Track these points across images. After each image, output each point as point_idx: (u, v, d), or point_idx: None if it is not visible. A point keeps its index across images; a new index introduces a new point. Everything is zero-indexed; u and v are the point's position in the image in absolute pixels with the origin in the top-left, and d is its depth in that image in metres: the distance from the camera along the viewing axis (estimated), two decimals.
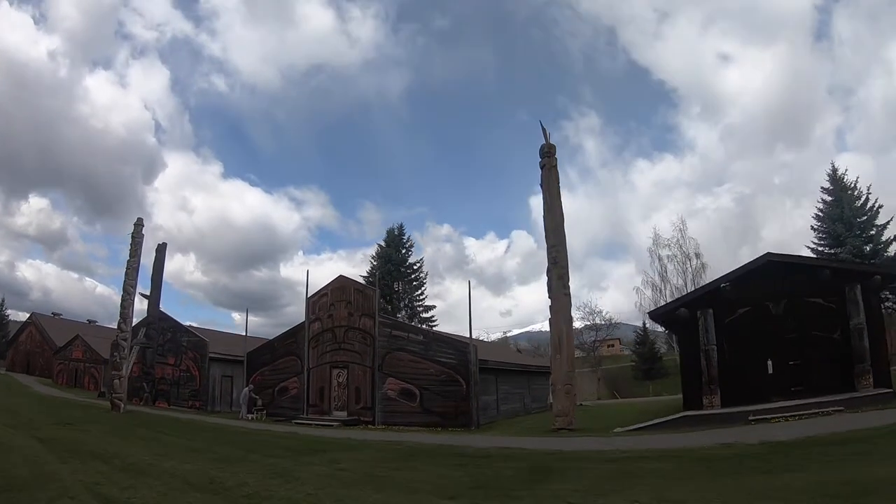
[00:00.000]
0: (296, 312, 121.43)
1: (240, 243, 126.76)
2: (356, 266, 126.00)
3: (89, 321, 57.26)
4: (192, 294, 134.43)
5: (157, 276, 35.63)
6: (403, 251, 45.36)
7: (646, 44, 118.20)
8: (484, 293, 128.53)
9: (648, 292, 50.78)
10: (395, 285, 44.27)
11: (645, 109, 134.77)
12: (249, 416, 26.48)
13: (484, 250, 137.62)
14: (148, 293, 35.13)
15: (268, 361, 28.32)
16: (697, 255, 49.26)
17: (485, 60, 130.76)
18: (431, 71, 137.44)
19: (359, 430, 21.93)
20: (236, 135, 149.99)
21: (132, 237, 27.65)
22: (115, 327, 57.12)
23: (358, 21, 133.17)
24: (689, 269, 48.85)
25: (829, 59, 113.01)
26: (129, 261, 27.33)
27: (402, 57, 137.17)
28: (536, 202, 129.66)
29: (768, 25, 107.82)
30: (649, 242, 50.05)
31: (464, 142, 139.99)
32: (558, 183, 21.06)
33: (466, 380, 22.51)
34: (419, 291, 44.80)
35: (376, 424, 23.37)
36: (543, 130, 21.65)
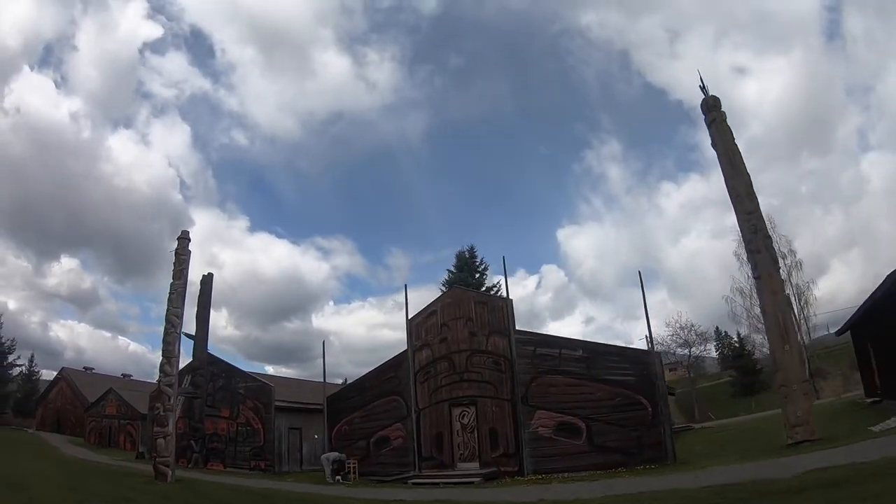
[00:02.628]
0: (329, 364, 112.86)
1: (270, 296, 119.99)
2: (388, 313, 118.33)
3: (123, 375, 49.70)
4: (225, 349, 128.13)
5: (202, 313, 28.27)
6: (478, 275, 38.11)
7: (660, 65, 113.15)
8: None
9: (739, 299, 43.01)
10: None
11: (665, 131, 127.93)
12: (338, 477, 18.66)
13: (515, 287, 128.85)
14: (193, 333, 27.73)
15: (356, 406, 20.60)
16: (790, 253, 41.72)
17: (502, 96, 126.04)
18: (450, 110, 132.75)
19: (512, 484, 14.98)
20: (260, 187, 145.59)
21: (175, 254, 20.30)
22: (152, 382, 49.81)
23: (375, 65, 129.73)
24: (784, 267, 41.39)
25: (844, 58, 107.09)
26: (172, 284, 19.88)
27: (420, 98, 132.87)
28: (564, 234, 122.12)
29: (779, 32, 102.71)
30: (734, 245, 43.01)
31: (487, 180, 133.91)
32: (733, 137, 16.78)
33: (652, 400, 16.02)
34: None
35: (526, 475, 16.42)
36: (702, 83, 17.59)
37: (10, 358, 45.43)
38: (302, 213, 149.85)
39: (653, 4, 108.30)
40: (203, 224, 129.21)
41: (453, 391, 18.54)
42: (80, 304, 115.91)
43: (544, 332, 18.81)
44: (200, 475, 20.67)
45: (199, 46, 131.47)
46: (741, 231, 16.15)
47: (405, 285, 21.16)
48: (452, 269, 38.14)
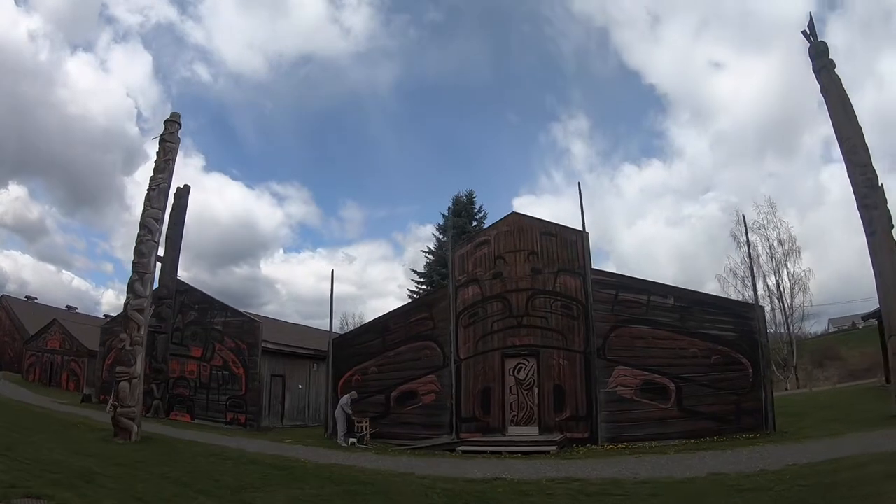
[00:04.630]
0: (275, 312, 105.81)
1: (220, 239, 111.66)
2: (338, 265, 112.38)
3: (68, 307, 43.12)
4: None
5: (175, 232, 22.83)
6: (475, 223, 33.05)
7: (638, 46, 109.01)
8: None
9: (731, 280, 40.37)
10: None
11: (634, 113, 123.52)
12: (352, 440, 14.10)
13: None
14: (161, 255, 22.32)
15: (373, 352, 16.04)
16: (789, 239, 39.65)
17: (476, 57, 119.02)
18: (423, 65, 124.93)
19: (595, 455, 11.67)
20: (219, 126, 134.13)
21: (161, 141, 15.17)
22: (98, 317, 43.17)
23: (352, 8, 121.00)
24: (781, 252, 39.30)
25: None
26: (153, 178, 14.76)
27: (393, 49, 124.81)
28: (519, 203, 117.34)
29: (761, 32, 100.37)
30: (732, 226, 41.10)
31: (452, 139, 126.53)
32: (843, 85, 14.66)
33: (753, 360, 12.97)
34: None
35: (600, 443, 13.03)
36: (810, 27, 15.00)
37: None
38: (260, 155, 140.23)
39: None
40: None
41: (508, 338, 14.36)
42: (25, 234, 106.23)
43: (629, 276, 14.49)
44: (167, 429, 15.77)
45: None
46: (854, 185, 13.65)
47: (448, 208, 16.43)
48: (446, 213, 33.46)
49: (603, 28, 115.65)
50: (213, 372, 20.08)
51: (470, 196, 34.05)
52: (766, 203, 41.51)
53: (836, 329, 56.51)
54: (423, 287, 31.99)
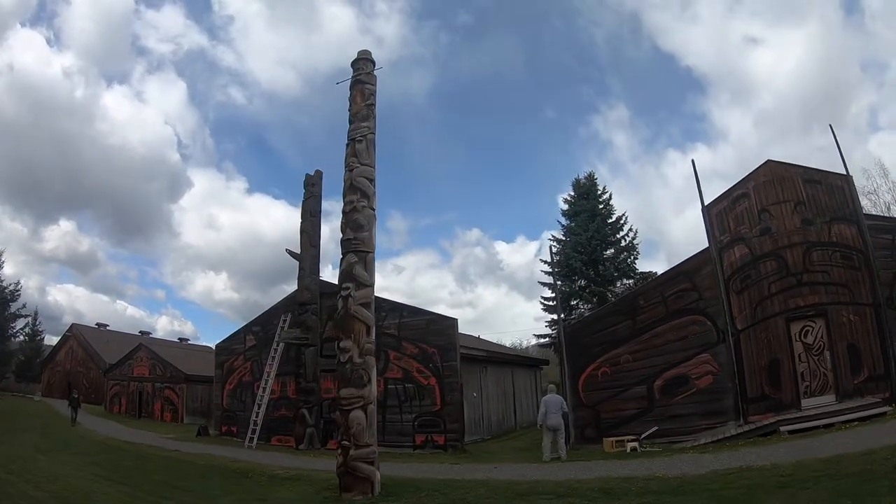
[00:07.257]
0: None
1: (270, 259, 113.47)
2: (386, 277, 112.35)
3: (141, 332, 41.81)
4: (223, 313, 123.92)
5: (311, 225, 20.82)
6: (601, 206, 31.25)
7: (671, 29, 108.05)
8: (516, 298, 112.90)
9: None
10: (605, 249, 29.51)
11: (674, 98, 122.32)
12: (633, 445, 12.82)
13: (515, 254, 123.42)
14: (298, 252, 20.91)
15: (622, 337, 14.69)
16: None
17: (509, 56, 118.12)
18: (456, 69, 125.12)
19: None
20: (258, 148, 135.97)
21: (356, 83, 11.42)
22: (174, 341, 41.53)
23: (384, 17, 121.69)
24: None
25: (861, 34, 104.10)
26: (356, 127, 11.11)
27: (426, 55, 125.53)
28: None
29: (796, 3, 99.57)
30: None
31: (491, 141, 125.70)
32: None
33: None
34: (632, 256, 30.10)
35: None
36: None
37: (14, 307, 38.07)
38: (300, 173, 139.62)
39: None
40: (201, 185, 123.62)
41: (789, 300, 13.20)
42: (78, 267, 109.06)
43: None
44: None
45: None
46: None
47: (692, 162, 15.10)
48: (569, 196, 32.17)
49: (634, 13, 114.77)
50: (390, 386, 17.49)
51: (591, 177, 32.79)
52: (878, 166, 40.67)
53: None
54: (557, 276, 30.91)
